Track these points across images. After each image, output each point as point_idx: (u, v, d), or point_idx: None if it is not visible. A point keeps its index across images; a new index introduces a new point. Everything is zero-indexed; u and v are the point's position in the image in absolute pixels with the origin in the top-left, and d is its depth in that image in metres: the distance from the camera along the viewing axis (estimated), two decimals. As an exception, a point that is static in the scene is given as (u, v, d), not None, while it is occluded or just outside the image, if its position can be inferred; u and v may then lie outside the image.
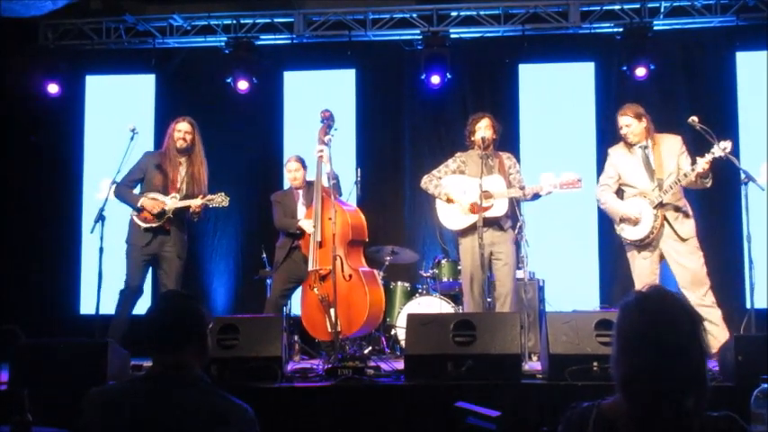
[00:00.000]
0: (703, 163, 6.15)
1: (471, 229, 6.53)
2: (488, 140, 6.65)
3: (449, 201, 6.69)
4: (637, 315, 2.15)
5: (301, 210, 7.32)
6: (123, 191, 6.89)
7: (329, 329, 6.44)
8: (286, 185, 7.88)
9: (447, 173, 6.83)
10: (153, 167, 6.92)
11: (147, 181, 6.92)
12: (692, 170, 6.22)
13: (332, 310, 6.31)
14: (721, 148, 6.09)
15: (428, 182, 6.88)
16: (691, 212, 6.49)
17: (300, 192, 7.44)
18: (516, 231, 6.71)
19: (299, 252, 7.16)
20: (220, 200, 6.86)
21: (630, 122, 6.48)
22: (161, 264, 6.91)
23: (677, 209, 6.42)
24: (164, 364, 2.70)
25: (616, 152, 6.68)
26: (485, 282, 6.48)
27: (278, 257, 7.35)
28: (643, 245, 6.46)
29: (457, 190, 6.69)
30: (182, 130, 6.96)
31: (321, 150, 6.82)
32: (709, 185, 6.37)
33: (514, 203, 6.61)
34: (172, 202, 6.81)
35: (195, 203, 6.81)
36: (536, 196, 6.58)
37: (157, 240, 6.86)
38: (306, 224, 7.01)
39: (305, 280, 6.90)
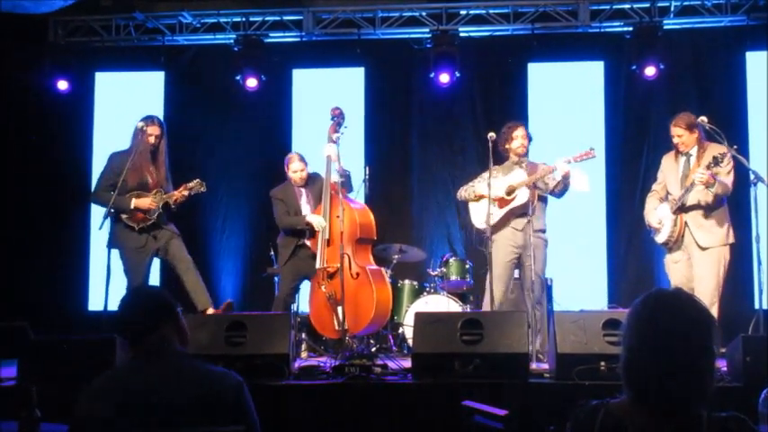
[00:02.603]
0: (697, 175, 6.18)
1: (502, 225, 6.76)
2: (523, 149, 6.93)
3: (477, 197, 6.89)
4: (645, 314, 2.15)
5: (305, 207, 7.25)
6: (104, 196, 6.80)
7: (337, 327, 6.45)
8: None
9: (480, 182, 6.99)
10: (127, 168, 6.76)
11: (123, 182, 6.75)
12: (695, 179, 6.22)
13: (339, 308, 6.32)
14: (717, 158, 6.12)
15: (462, 191, 7.15)
16: (724, 221, 6.43)
17: (303, 189, 7.33)
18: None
19: (305, 250, 7.13)
20: (198, 186, 6.92)
21: (683, 133, 6.50)
22: (165, 255, 6.93)
23: (703, 215, 6.39)
24: (146, 345, 2.86)
25: (666, 159, 6.79)
26: (510, 280, 6.69)
27: (283, 256, 7.28)
28: (671, 248, 6.57)
29: (484, 189, 6.82)
30: (153, 134, 6.94)
31: (330, 149, 6.83)
32: (714, 192, 6.24)
33: (537, 197, 6.77)
34: (160, 198, 6.84)
35: (178, 194, 6.87)
36: (564, 190, 6.73)
37: (150, 237, 6.88)
38: (315, 219, 6.94)
39: (312, 276, 6.90)
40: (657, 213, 6.64)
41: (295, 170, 7.29)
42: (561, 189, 6.76)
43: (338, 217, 6.54)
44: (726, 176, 6.30)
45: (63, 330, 7.32)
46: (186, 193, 6.90)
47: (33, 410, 3.25)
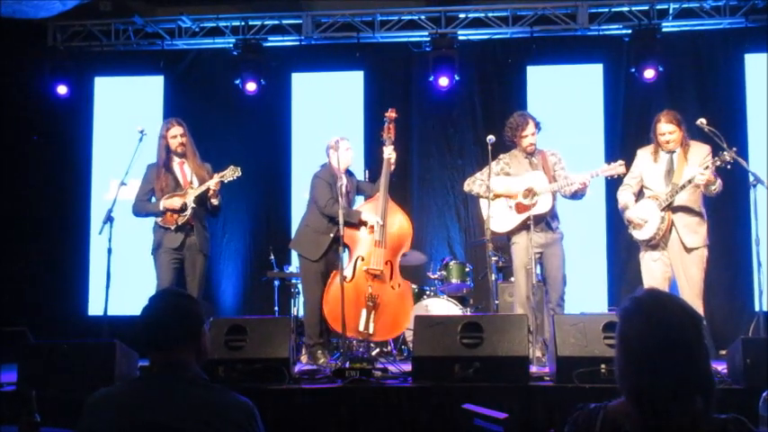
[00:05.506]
0: (698, 176, 6.13)
1: (521, 228, 6.69)
2: (532, 147, 6.83)
3: (496, 196, 6.73)
4: (636, 319, 2.14)
5: (344, 198, 6.86)
6: (141, 206, 6.93)
7: (361, 329, 6.55)
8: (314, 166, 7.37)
9: (494, 178, 6.80)
10: (159, 175, 6.89)
11: (159, 189, 6.88)
12: (695, 179, 6.18)
13: (363, 311, 6.49)
14: (722, 158, 6.08)
15: (471, 183, 6.99)
16: (705, 222, 6.41)
17: (344, 176, 6.93)
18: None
19: (338, 245, 6.72)
20: (231, 172, 6.87)
21: (674, 130, 6.41)
22: (187, 267, 6.89)
23: (690, 215, 6.35)
24: (160, 363, 2.67)
25: (644, 153, 6.66)
26: (533, 282, 6.56)
27: (320, 243, 6.94)
28: (651, 245, 6.45)
29: (503, 188, 6.78)
30: (176, 134, 6.93)
31: (392, 151, 7.00)
32: (714, 191, 6.27)
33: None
34: (190, 193, 6.82)
35: (212, 183, 6.81)
36: (575, 195, 6.67)
37: (186, 240, 6.84)
38: (372, 217, 6.83)
39: (335, 270, 6.79)
40: (640, 210, 6.51)
41: (347, 148, 7.02)
42: (573, 195, 6.74)
43: (382, 225, 6.79)
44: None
45: (63, 335, 7.32)
46: (218, 181, 6.81)
47: (33, 415, 3.24)
